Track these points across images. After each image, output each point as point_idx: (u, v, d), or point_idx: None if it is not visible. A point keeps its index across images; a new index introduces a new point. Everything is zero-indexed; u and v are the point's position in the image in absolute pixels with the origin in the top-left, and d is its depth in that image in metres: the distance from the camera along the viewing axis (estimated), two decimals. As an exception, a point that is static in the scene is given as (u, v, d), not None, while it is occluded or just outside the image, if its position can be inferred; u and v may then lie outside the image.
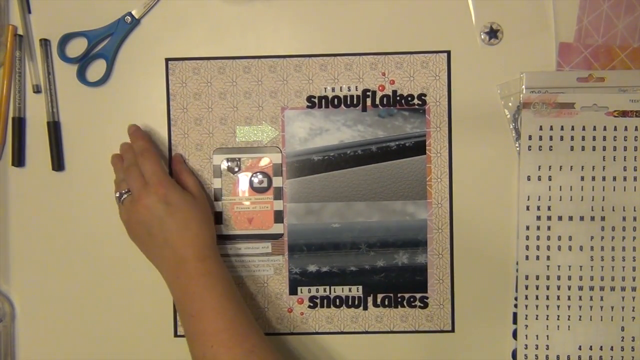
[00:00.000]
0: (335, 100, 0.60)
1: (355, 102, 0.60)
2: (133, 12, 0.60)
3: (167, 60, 0.60)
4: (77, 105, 0.61)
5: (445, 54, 0.60)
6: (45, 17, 0.60)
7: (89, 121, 0.61)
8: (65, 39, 0.60)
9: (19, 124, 0.60)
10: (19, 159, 0.60)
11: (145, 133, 0.59)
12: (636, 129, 0.59)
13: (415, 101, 0.60)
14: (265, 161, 0.61)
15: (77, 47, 0.60)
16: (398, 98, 0.60)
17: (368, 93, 0.60)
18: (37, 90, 0.60)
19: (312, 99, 0.61)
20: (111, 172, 0.60)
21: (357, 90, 0.60)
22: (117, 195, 0.57)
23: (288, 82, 0.61)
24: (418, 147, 0.61)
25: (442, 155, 0.60)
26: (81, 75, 0.60)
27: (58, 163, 0.60)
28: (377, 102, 0.60)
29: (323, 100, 0.61)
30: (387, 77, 0.60)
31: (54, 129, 0.60)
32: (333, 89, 0.61)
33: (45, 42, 0.60)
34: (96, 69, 0.61)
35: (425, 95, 0.60)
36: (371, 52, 0.60)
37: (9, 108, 0.60)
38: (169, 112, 0.61)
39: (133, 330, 0.61)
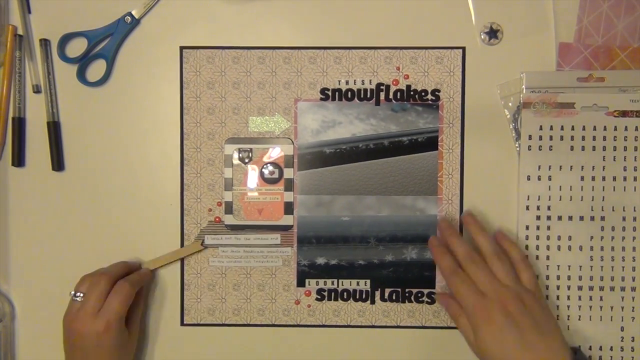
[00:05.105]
0: (349, 93, 0.60)
1: (368, 96, 0.60)
2: (133, 12, 0.60)
3: (182, 48, 0.60)
4: (77, 105, 0.61)
5: (460, 50, 0.60)
6: (45, 17, 0.60)
7: (89, 121, 0.61)
8: (65, 39, 0.60)
9: (19, 124, 0.60)
10: (19, 159, 0.60)
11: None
12: (636, 129, 0.59)
13: (429, 96, 0.60)
14: (276, 152, 0.61)
15: (77, 47, 0.60)
16: (412, 93, 0.60)
17: (382, 87, 0.60)
18: (37, 90, 0.60)
19: (326, 92, 0.60)
20: (111, 172, 0.61)
21: (371, 84, 0.60)
22: (74, 293, 0.55)
23: (302, 73, 0.60)
24: (430, 143, 0.60)
25: (453, 151, 0.60)
26: (81, 75, 0.60)
27: (58, 163, 0.60)
28: (391, 96, 0.60)
29: (337, 93, 0.60)
30: (402, 72, 0.60)
31: (54, 129, 0.60)
32: (347, 82, 0.60)
33: (45, 42, 0.60)
34: (96, 69, 0.61)
35: (439, 90, 0.60)
36: (386, 46, 0.60)
37: (9, 108, 0.60)
38: (182, 100, 0.61)
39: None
